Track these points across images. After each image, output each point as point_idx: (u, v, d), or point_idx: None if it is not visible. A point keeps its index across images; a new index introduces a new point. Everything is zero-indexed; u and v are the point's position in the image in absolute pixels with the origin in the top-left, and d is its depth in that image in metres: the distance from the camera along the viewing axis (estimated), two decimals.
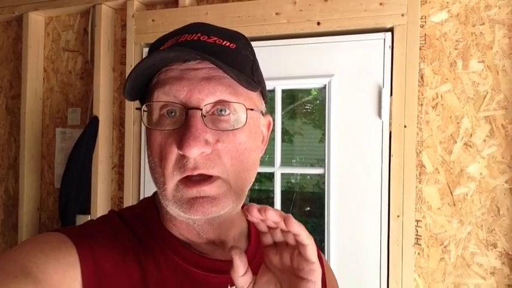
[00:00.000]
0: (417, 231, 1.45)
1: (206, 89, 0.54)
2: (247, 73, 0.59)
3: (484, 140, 1.40)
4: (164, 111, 0.56)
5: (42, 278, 0.47)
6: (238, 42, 0.61)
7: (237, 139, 0.56)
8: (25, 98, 1.98)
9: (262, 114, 0.64)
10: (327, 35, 1.53)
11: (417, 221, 1.45)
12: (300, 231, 0.46)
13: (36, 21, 2.01)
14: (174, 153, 0.54)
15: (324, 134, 1.57)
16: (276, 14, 1.57)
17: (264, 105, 0.65)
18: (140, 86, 0.59)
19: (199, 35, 0.58)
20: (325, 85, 1.54)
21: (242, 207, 0.64)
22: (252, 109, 0.58)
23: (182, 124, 0.54)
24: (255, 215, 0.46)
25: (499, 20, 1.40)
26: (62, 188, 1.85)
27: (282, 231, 0.48)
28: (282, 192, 1.65)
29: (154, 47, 0.63)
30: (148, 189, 1.76)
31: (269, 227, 0.49)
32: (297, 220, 0.47)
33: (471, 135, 1.42)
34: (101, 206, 1.85)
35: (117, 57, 1.90)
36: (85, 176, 1.84)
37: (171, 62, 0.56)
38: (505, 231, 1.37)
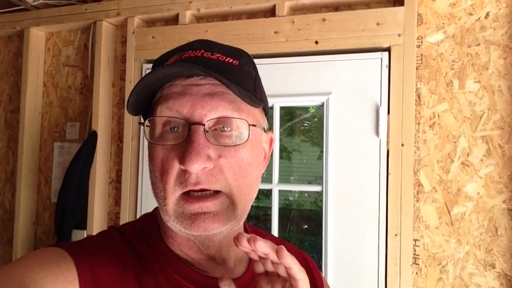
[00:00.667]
0: (415, 250, 1.44)
1: (209, 105, 0.54)
2: (250, 89, 0.59)
3: (481, 160, 1.41)
4: (167, 128, 0.56)
5: None
6: (241, 59, 0.61)
7: (239, 155, 0.56)
8: (24, 112, 1.98)
9: (264, 131, 0.64)
10: (325, 54, 1.55)
11: (415, 240, 1.44)
12: (291, 264, 0.45)
13: (37, 36, 2.03)
14: (176, 168, 0.54)
15: (322, 151, 1.57)
16: (275, 32, 1.58)
17: (266, 121, 0.65)
18: (143, 101, 0.59)
19: (202, 51, 0.59)
20: (323, 103, 1.55)
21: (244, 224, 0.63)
22: (254, 125, 0.58)
23: (185, 139, 0.54)
24: (244, 244, 0.45)
25: (494, 41, 1.42)
26: (59, 202, 1.84)
27: (273, 262, 0.48)
28: (280, 209, 1.64)
29: (157, 63, 0.64)
30: (146, 204, 1.75)
31: (260, 256, 0.49)
32: (289, 249, 0.46)
33: (468, 154, 1.42)
34: (97, 221, 1.84)
35: (117, 72, 1.92)
36: (82, 191, 1.83)
37: (175, 78, 0.57)
38: (503, 252, 1.37)
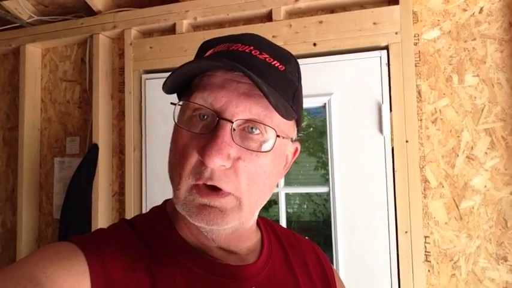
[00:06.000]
0: (426, 247, 1.44)
1: (243, 105, 0.54)
2: (288, 98, 0.58)
3: (486, 153, 1.41)
4: (197, 114, 0.56)
5: None
6: (287, 65, 0.60)
7: (259, 161, 0.55)
8: (23, 129, 1.97)
9: (292, 141, 0.63)
10: (324, 55, 1.56)
11: (425, 237, 1.44)
12: None
13: (33, 53, 2.03)
14: (195, 157, 0.54)
15: (319, 161, 1.57)
16: (273, 36, 1.59)
17: (295, 132, 0.64)
18: (179, 83, 0.59)
19: (251, 48, 0.58)
20: (325, 104, 1.55)
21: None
22: (282, 137, 0.58)
23: (210, 131, 0.53)
24: None
25: (490, 35, 1.43)
26: (62, 218, 1.82)
27: None
28: (287, 216, 1.64)
29: (204, 47, 0.63)
30: None
31: None
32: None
33: (472, 148, 1.43)
34: None
35: (115, 85, 1.91)
36: (85, 205, 1.81)
37: (217, 68, 0.56)
38: None
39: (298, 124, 0.65)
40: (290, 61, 0.62)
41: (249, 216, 0.59)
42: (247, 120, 0.55)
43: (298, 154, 0.67)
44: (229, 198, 0.54)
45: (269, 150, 0.55)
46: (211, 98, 0.54)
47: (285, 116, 0.56)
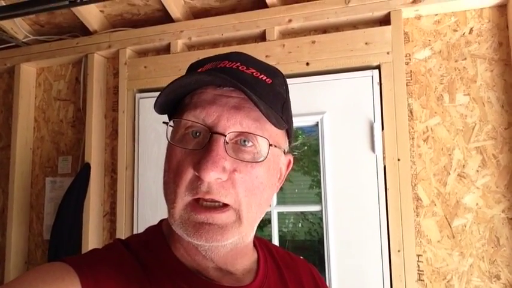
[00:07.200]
0: (419, 266, 1.43)
1: (234, 118, 0.54)
2: (277, 110, 0.59)
3: (477, 171, 1.42)
4: (189, 131, 0.56)
5: None
6: (274, 79, 0.62)
7: (254, 172, 0.55)
8: (15, 148, 1.96)
9: (284, 153, 0.64)
10: (317, 75, 1.58)
11: (418, 255, 1.43)
12: None
13: (28, 72, 2.04)
14: (190, 173, 0.54)
15: (313, 180, 1.57)
16: (266, 56, 1.61)
17: (287, 144, 0.65)
18: (170, 101, 0.59)
19: (238, 64, 0.59)
20: (317, 122, 1.56)
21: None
22: (274, 146, 0.58)
23: (204, 146, 0.54)
24: None
25: (480, 55, 1.46)
26: (52, 238, 1.79)
27: None
28: (280, 235, 1.62)
29: (193, 68, 0.64)
30: None
31: None
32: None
33: (464, 166, 1.43)
34: None
35: (109, 104, 1.92)
36: (76, 225, 1.79)
37: (206, 85, 0.57)
38: (507, 262, 1.36)
39: (289, 136, 0.65)
40: (277, 75, 0.63)
41: (249, 230, 0.59)
42: (240, 133, 0.55)
43: (291, 167, 0.68)
44: (228, 213, 0.54)
45: (263, 160, 0.56)
46: (203, 114, 0.55)
47: (276, 124, 0.57)
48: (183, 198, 0.54)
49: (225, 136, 0.54)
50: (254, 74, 0.59)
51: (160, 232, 0.63)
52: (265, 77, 0.60)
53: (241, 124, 0.55)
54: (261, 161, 0.56)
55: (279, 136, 0.61)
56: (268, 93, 0.59)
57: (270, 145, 0.56)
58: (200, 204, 0.54)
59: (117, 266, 0.55)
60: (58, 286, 0.48)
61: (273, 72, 0.63)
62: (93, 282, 0.51)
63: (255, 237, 0.70)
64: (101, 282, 0.51)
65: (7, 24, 1.93)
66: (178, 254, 0.60)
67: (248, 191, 0.55)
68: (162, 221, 0.66)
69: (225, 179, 0.53)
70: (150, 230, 0.66)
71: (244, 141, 0.55)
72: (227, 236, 0.54)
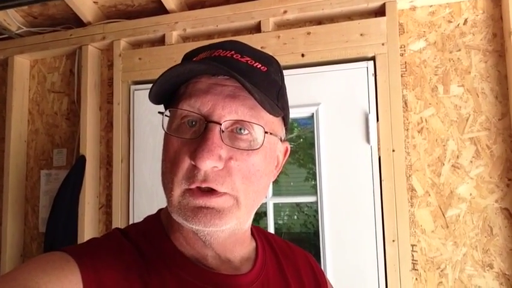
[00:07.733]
0: (413, 255, 1.44)
1: (229, 107, 0.54)
2: (273, 97, 0.59)
3: (471, 161, 1.43)
4: (185, 121, 0.56)
5: None
6: (269, 66, 0.62)
7: (250, 159, 0.56)
8: (9, 141, 1.95)
9: (281, 140, 0.64)
10: (312, 66, 1.58)
11: (412, 245, 1.44)
12: None
13: (22, 64, 2.02)
14: (186, 162, 0.54)
15: (309, 172, 1.57)
16: (261, 47, 1.61)
17: (284, 131, 0.65)
18: (165, 91, 0.59)
19: (233, 52, 0.59)
20: (313, 114, 1.57)
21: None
22: (270, 133, 0.58)
23: (200, 135, 0.54)
24: None
25: (474, 46, 1.47)
26: (48, 231, 1.79)
27: None
28: (275, 228, 1.63)
29: (187, 57, 0.64)
30: None
31: None
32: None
33: (458, 156, 1.44)
34: None
35: (104, 96, 1.91)
36: (71, 218, 1.79)
37: (201, 74, 0.57)
38: (500, 251, 1.37)
39: (286, 123, 0.66)
40: (272, 62, 0.63)
41: (246, 217, 0.59)
42: (235, 122, 0.55)
43: (288, 154, 0.68)
44: (225, 197, 0.54)
45: (259, 148, 0.56)
46: (198, 104, 0.55)
47: (271, 111, 0.57)
48: (180, 186, 0.54)
49: (221, 125, 0.54)
50: (249, 62, 0.59)
51: (159, 221, 0.64)
52: (260, 65, 0.60)
53: (237, 112, 0.55)
54: (257, 149, 0.56)
55: (275, 124, 0.61)
56: (263, 81, 0.59)
57: (266, 133, 0.57)
58: (197, 190, 0.54)
59: (116, 255, 0.55)
60: (58, 275, 0.48)
61: (267, 60, 0.63)
62: (93, 271, 0.51)
63: (253, 226, 0.71)
64: (101, 271, 0.52)
65: (0, 16, 1.91)
66: (177, 243, 0.60)
67: (245, 178, 0.55)
68: (160, 210, 0.67)
69: (221, 167, 0.53)
70: (148, 219, 0.66)
71: (240, 129, 0.56)
72: (225, 220, 0.54)
